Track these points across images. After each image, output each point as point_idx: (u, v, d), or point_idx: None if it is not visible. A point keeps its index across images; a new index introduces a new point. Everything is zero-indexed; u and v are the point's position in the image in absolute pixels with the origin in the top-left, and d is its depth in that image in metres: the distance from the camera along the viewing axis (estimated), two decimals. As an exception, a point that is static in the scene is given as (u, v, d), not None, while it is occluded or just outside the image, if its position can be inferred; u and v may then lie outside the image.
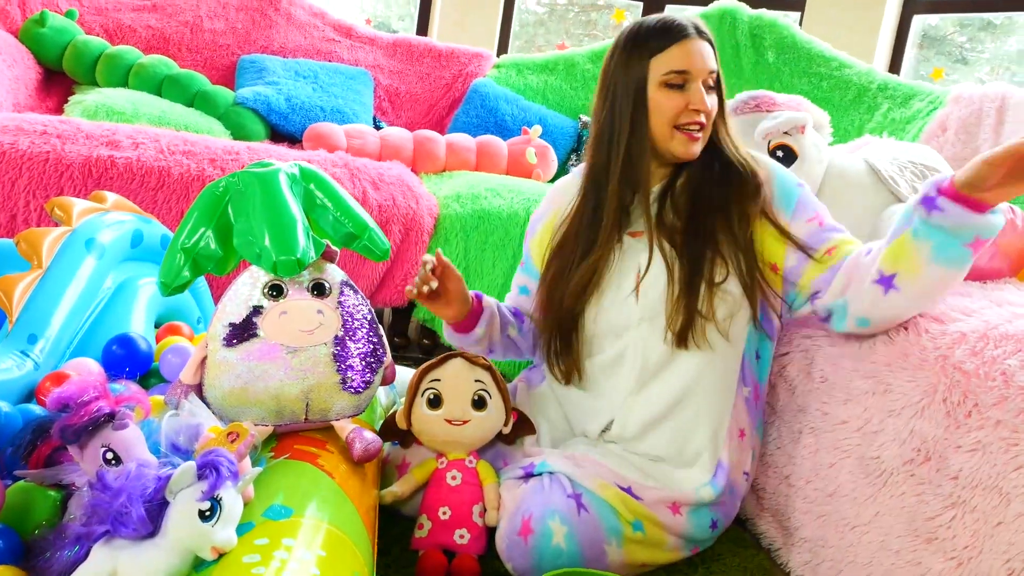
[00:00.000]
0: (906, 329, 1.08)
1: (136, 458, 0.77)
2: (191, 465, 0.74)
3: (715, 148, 1.21)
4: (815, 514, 1.21)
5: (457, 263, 2.01)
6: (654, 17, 1.20)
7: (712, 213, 1.18)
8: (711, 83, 1.17)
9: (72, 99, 2.20)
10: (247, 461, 0.83)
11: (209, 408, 1.00)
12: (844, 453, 1.15)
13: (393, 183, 2.02)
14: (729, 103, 1.53)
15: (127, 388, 0.88)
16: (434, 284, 1.17)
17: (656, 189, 1.23)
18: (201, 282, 1.60)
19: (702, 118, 1.16)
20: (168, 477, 0.74)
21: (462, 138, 2.42)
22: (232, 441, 0.82)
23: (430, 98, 2.83)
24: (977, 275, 1.12)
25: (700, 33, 1.17)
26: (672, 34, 1.16)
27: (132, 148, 1.83)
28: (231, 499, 0.76)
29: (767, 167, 1.22)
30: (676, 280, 1.17)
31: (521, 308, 1.40)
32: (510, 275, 2.00)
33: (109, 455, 0.79)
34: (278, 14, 2.71)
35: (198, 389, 1.02)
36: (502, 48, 3.97)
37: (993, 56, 4.55)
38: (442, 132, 2.58)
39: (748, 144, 1.44)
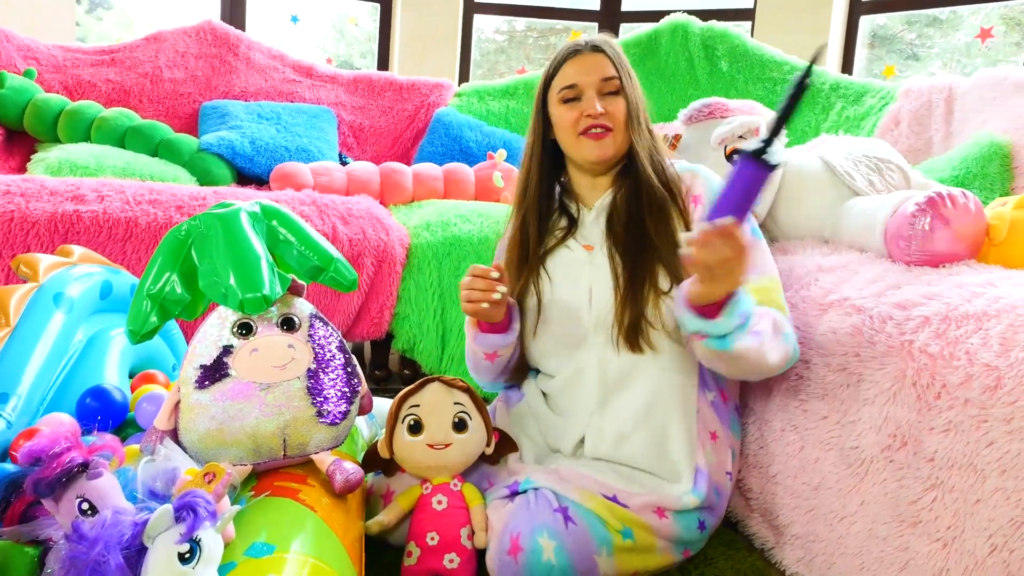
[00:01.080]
0: (871, 318, 1.10)
1: (112, 506, 0.76)
2: (167, 508, 0.74)
3: (634, 161, 1.26)
4: (803, 509, 1.22)
5: (432, 291, 2.01)
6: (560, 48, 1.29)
7: (647, 223, 1.23)
8: (609, 89, 1.23)
9: (35, 157, 2.19)
10: (226, 500, 0.83)
11: (186, 452, 0.99)
12: (827, 446, 1.17)
13: (362, 216, 2.02)
14: (682, 112, 1.57)
15: (100, 438, 0.87)
16: (503, 288, 1.17)
17: (599, 203, 1.29)
18: (174, 329, 1.59)
19: (601, 120, 1.21)
20: (145, 522, 0.73)
21: (428, 167, 2.43)
22: (209, 482, 0.81)
23: (394, 131, 2.85)
24: (936, 260, 1.15)
25: (594, 48, 1.24)
26: (563, 56, 1.25)
27: (97, 201, 1.82)
28: (211, 540, 0.76)
29: (703, 183, 1.26)
30: (622, 285, 1.21)
31: None
32: (486, 299, 2.01)
33: (85, 505, 0.78)
34: (237, 59, 2.72)
35: (173, 434, 1.02)
36: (463, 77, 4.02)
37: (943, 51, 4.68)
38: (408, 163, 2.60)
39: (704, 151, 1.47)
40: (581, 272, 1.26)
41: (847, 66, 3.61)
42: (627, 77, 1.24)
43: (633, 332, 1.20)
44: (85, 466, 0.78)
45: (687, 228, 1.23)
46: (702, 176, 1.28)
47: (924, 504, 0.97)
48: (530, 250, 1.29)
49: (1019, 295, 0.95)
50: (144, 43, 2.66)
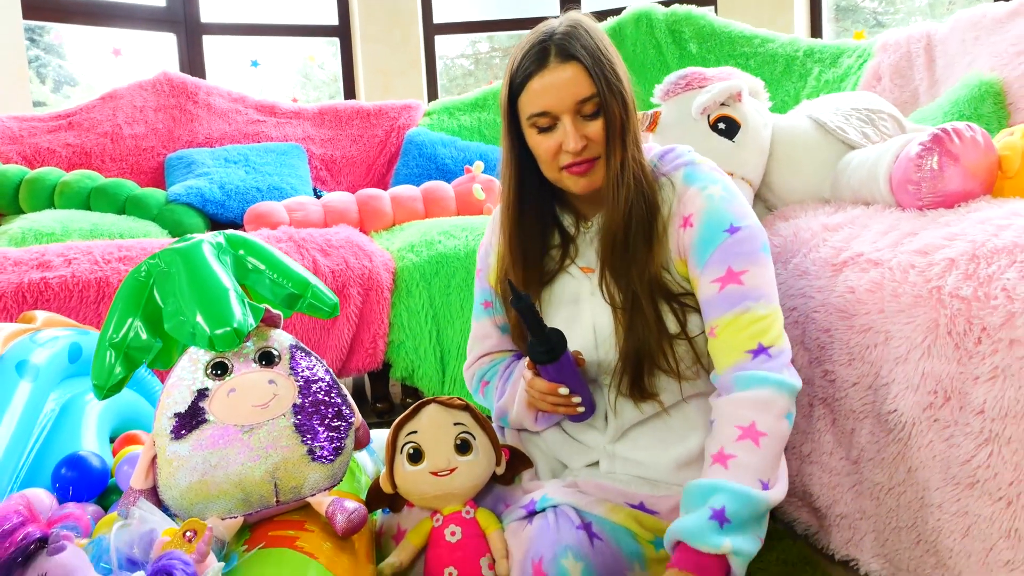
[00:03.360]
0: (891, 269, 1.02)
1: (77, 582, 0.67)
2: (139, 576, 0.65)
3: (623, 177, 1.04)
4: (845, 487, 1.13)
5: (424, 313, 1.93)
6: (528, 38, 1.05)
7: (643, 251, 1.05)
8: (588, 112, 1.02)
9: (-3, 231, 2.11)
10: (211, 558, 0.74)
11: (168, 510, 0.90)
12: (860, 415, 1.08)
13: (343, 246, 1.95)
14: (658, 88, 1.50)
15: (64, 508, 0.78)
16: (577, 399, 1.07)
17: (597, 220, 1.11)
18: (156, 385, 1.50)
19: (583, 154, 1.03)
20: (116, 596, 0.64)
21: (406, 189, 2.36)
22: (189, 540, 0.72)
23: (367, 158, 2.78)
24: (950, 200, 1.07)
25: (564, 55, 1.00)
26: (528, 67, 1.02)
27: (65, 265, 1.76)
28: (194, 605, 0.67)
29: (703, 202, 1.03)
30: (623, 326, 1.06)
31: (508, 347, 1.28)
32: (480, 314, 1.93)
33: (48, 586, 0.69)
34: (198, 107, 2.66)
35: (153, 493, 0.92)
36: (433, 101, 3.97)
37: (907, 13, 4.66)
38: (385, 189, 2.52)
39: (686, 124, 1.40)
40: (584, 310, 1.11)
41: (816, 38, 3.57)
42: (607, 87, 1.01)
43: (639, 384, 1.06)
44: (44, 541, 0.69)
45: (670, 251, 1.06)
46: (706, 192, 1.04)
47: (980, 462, 0.89)
48: (530, 285, 1.13)
49: (1050, 220, 0.87)
50: (100, 103, 2.59)
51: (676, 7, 2.57)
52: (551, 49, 1.01)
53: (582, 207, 1.14)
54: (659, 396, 1.08)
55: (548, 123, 1.03)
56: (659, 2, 2.68)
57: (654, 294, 1.05)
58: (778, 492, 0.95)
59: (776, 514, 1.29)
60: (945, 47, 1.91)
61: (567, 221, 1.15)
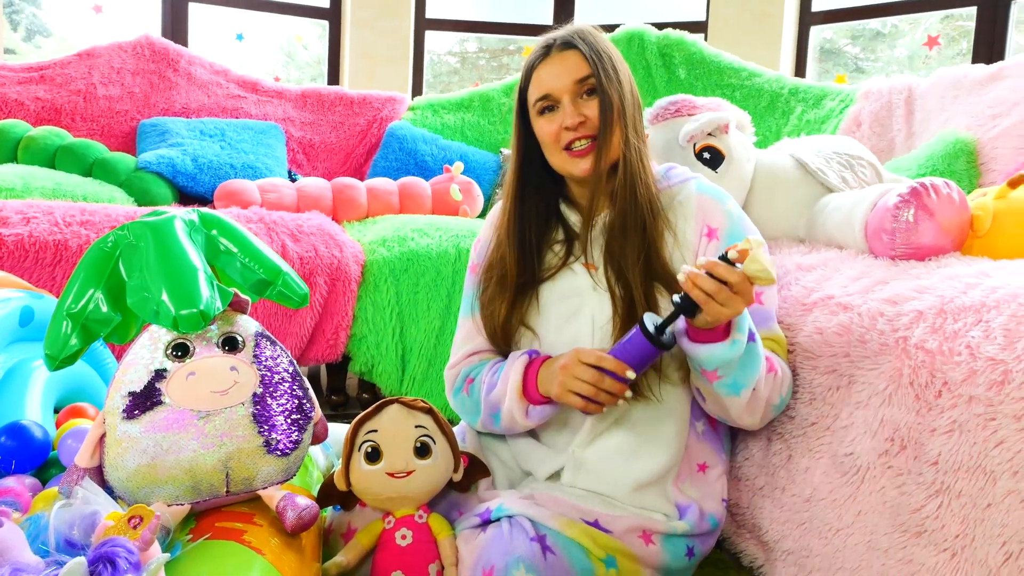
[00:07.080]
0: (860, 315, 1.03)
1: (12, 562, 0.64)
2: (79, 562, 0.62)
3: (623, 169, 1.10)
4: (795, 523, 1.14)
5: (390, 309, 1.91)
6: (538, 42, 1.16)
7: (639, 242, 1.09)
8: (586, 90, 1.09)
9: (-46, 180, 2.03)
10: (155, 547, 0.71)
11: (112, 492, 0.87)
12: (817, 454, 1.10)
13: (313, 233, 1.92)
14: (648, 111, 1.51)
15: (5, 482, 0.75)
16: (629, 395, 1.04)
17: (602, 217, 1.14)
18: (108, 357, 1.46)
19: (581, 131, 1.09)
20: (53, 580, 0.62)
21: (383, 182, 2.34)
22: (134, 527, 0.70)
23: (346, 146, 2.74)
24: (922, 253, 1.10)
25: (565, 45, 1.10)
26: (534, 60, 1.12)
27: (22, 223, 1.70)
28: (135, 596, 0.64)
29: (724, 218, 1.12)
30: (620, 323, 1.09)
31: None
32: (446, 316, 1.92)
33: (-19, 563, 0.66)
34: (177, 75, 2.60)
35: (98, 472, 0.89)
36: (416, 95, 3.94)
37: (886, 63, 4.79)
38: (362, 179, 2.50)
39: (672, 149, 1.41)
40: (584, 303, 1.13)
41: (800, 76, 3.64)
42: (604, 73, 1.08)
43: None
44: (-18, 515, 0.66)
45: (685, 255, 1.12)
46: (724, 207, 1.13)
47: (929, 512, 0.90)
48: (524, 273, 1.16)
49: (1018, 284, 0.89)
50: (76, 59, 2.52)
51: (669, 31, 2.60)
52: (554, 43, 1.11)
53: (587, 204, 1.15)
54: (642, 393, 1.09)
55: (550, 104, 1.11)
56: (652, 25, 2.70)
57: (651, 283, 1.09)
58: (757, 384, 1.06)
59: (724, 545, 1.30)
60: (924, 101, 1.96)
61: (572, 219, 1.19)
